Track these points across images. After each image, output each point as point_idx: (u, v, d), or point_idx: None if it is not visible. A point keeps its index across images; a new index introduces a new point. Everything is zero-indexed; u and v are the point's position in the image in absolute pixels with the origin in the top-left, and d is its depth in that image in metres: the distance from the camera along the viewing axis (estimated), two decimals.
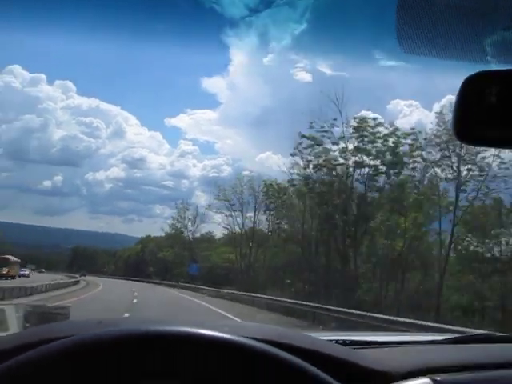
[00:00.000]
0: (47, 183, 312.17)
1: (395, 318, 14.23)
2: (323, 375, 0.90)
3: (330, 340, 1.38)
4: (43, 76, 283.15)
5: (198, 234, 60.69)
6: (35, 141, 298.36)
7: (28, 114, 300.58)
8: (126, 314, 16.29)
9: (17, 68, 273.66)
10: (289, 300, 23.93)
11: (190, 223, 60.03)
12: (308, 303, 21.11)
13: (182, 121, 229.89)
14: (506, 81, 1.07)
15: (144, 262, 78.88)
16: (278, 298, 25.20)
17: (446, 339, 1.64)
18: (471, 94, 1.07)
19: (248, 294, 30.02)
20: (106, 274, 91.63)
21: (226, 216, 46.61)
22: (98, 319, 1.08)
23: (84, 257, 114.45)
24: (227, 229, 48.81)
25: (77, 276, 64.26)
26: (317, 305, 20.32)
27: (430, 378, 1.13)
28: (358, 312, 16.31)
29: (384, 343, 1.58)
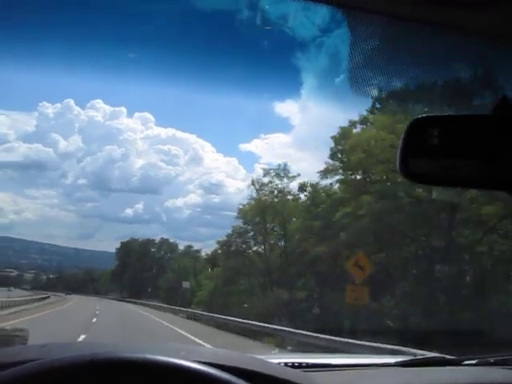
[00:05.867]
0: (129, 211, 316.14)
1: None
2: None
3: (285, 363, 1.42)
4: (124, 109, 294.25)
5: None
6: (117, 170, 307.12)
7: (110, 145, 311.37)
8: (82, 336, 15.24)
9: (99, 102, 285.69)
10: None
11: None
12: None
13: (256, 146, 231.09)
14: (446, 125, 1.17)
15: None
16: None
17: (397, 362, 1.66)
18: (415, 135, 1.16)
19: None
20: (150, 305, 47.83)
21: None
22: (42, 344, 1.12)
23: (133, 275, 74.65)
24: None
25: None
26: None
27: None
28: None
29: (337, 366, 1.61)
